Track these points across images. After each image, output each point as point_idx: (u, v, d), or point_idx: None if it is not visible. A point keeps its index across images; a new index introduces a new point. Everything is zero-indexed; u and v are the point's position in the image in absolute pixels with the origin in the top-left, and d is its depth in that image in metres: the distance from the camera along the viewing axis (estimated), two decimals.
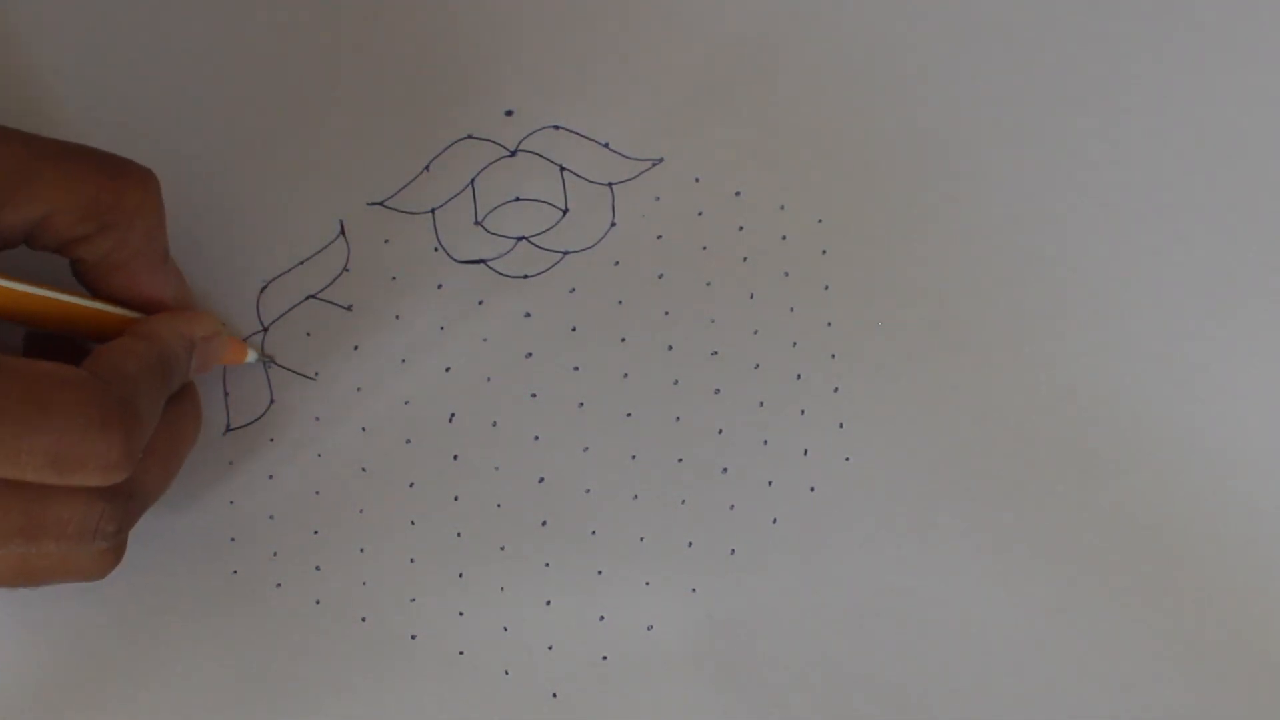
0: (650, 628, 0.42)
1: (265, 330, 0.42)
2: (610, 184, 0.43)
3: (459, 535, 0.42)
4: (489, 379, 0.43)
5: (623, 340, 0.43)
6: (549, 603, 0.42)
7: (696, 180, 0.44)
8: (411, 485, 0.42)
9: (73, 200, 0.36)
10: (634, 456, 0.43)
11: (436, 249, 0.43)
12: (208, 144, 0.43)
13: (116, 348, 0.35)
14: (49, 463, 0.32)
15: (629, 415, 0.43)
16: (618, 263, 0.43)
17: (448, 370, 0.43)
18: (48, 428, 0.32)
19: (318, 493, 0.42)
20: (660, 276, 0.43)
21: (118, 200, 0.36)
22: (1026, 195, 0.44)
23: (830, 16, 0.44)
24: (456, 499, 0.42)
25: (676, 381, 0.43)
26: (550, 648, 0.42)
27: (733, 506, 0.43)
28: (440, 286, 0.43)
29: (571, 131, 0.43)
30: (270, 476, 0.42)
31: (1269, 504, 0.43)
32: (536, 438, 0.43)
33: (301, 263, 0.42)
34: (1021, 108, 0.44)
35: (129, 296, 0.38)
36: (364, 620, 0.42)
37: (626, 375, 0.43)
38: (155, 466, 0.37)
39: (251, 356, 0.41)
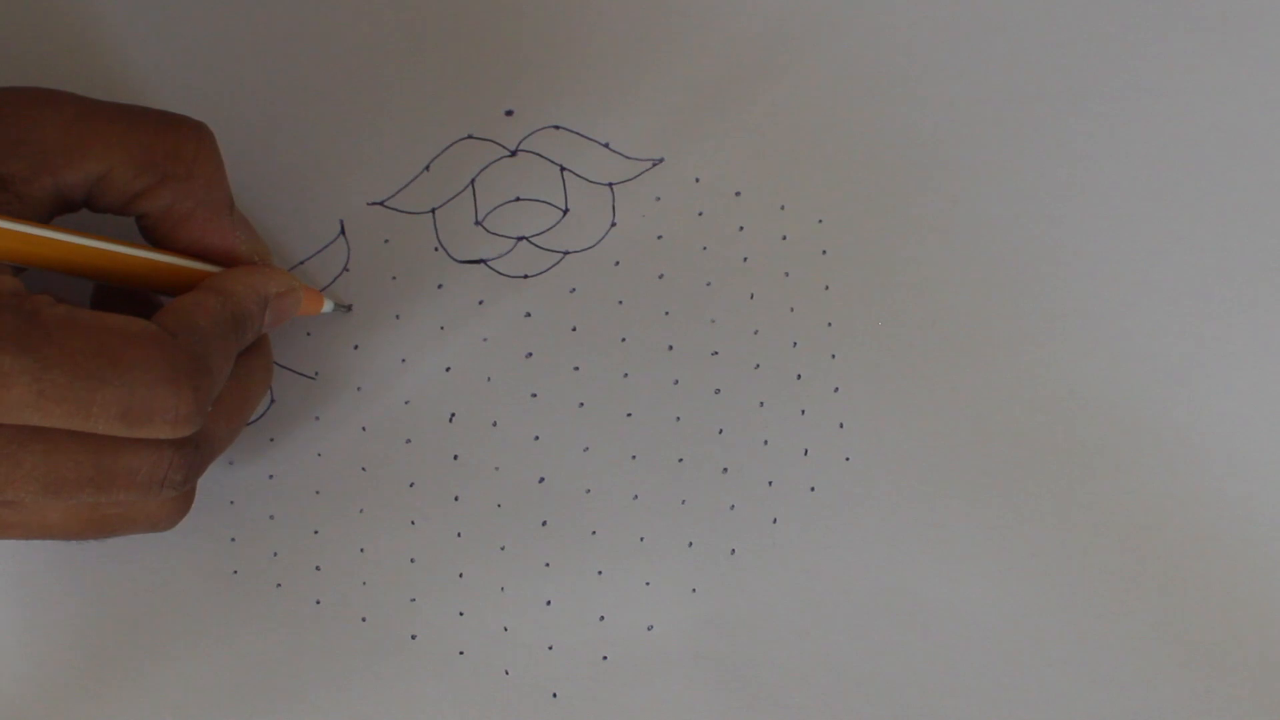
0: (650, 628, 0.42)
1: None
2: (610, 184, 0.43)
3: (459, 535, 0.42)
4: (489, 379, 0.43)
5: (623, 340, 0.43)
6: (549, 603, 0.42)
7: (696, 180, 0.44)
8: (411, 485, 0.42)
9: (129, 154, 0.36)
10: (634, 456, 0.43)
11: (436, 249, 0.43)
12: None
13: (189, 302, 0.36)
14: (119, 416, 0.33)
15: (629, 415, 0.43)
16: (618, 263, 0.43)
17: (448, 370, 0.43)
18: (118, 381, 0.32)
19: (318, 493, 0.42)
20: (660, 276, 0.43)
21: (175, 151, 0.37)
22: (1026, 195, 0.44)
23: (830, 17, 0.44)
24: (456, 499, 0.42)
25: (676, 381, 0.43)
26: (550, 648, 0.42)
27: (733, 506, 0.43)
28: (440, 286, 0.43)
29: (571, 131, 0.43)
30: (270, 476, 0.42)
31: (1269, 504, 0.43)
32: (536, 438, 0.43)
33: (301, 262, 0.42)
34: (1021, 108, 0.44)
35: (199, 248, 0.38)
36: (364, 620, 0.42)
37: (626, 375, 0.43)
38: (224, 418, 0.37)
39: (328, 306, 0.41)
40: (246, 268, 0.38)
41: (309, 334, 0.42)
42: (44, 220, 0.36)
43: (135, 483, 0.34)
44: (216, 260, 0.38)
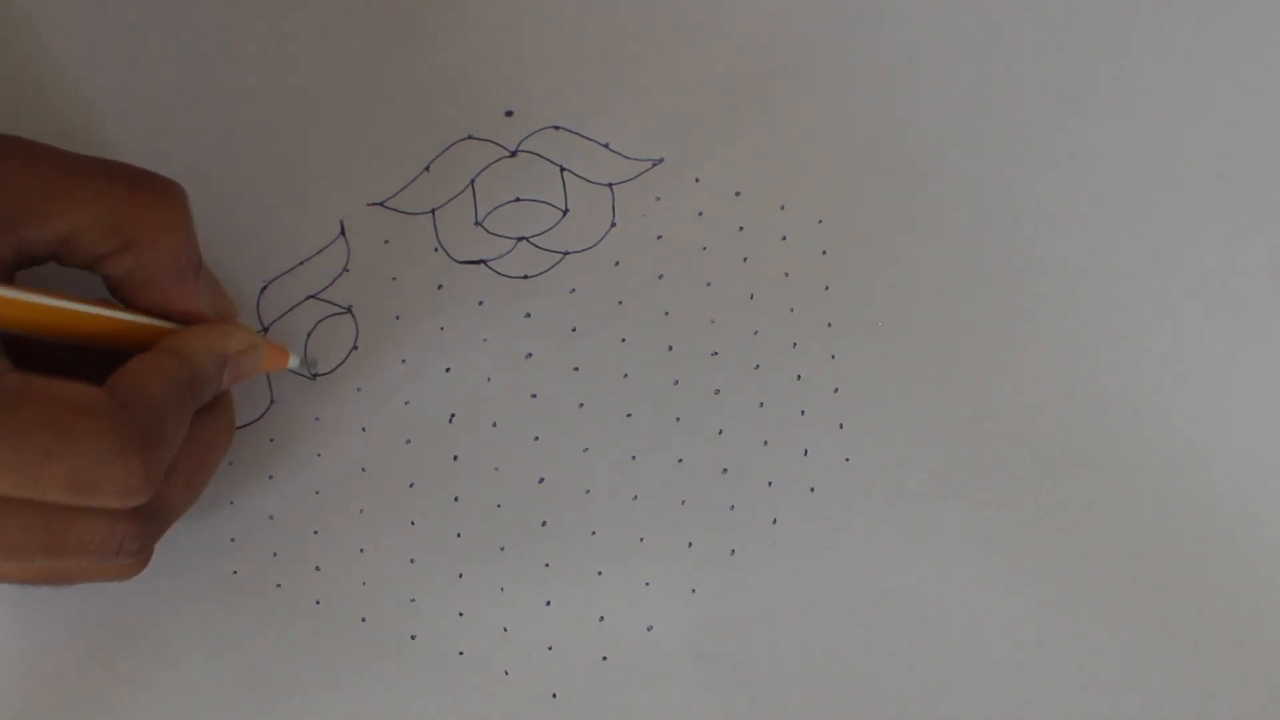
0: (650, 628, 0.42)
1: (265, 330, 0.42)
2: (610, 184, 0.43)
3: (459, 535, 0.42)
4: (489, 379, 0.43)
5: (623, 340, 0.43)
6: (549, 603, 0.42)
7: (696, 180, 0.44)
8: (411, 485, 0.42)
9: (94, 219, 0.36)
10: (634, 456, 0.43)
11: (436, 249, 0.43)
12: (208, 144, 0.43)
13: (141, 366, 0.35)
14: (67, 487, 0.33)
15: (629, 415, 0.43)
16: (618, 263, 0.43)
17: (448, 370, 0.43)
18: (66, 454, 0.33)
19: (318, 493, 0.42)
20: (660, 276, 0.43)
21: (140, 216, 0.36)
22: (1026, 195, 0.44)
23: (830, 17, 0.44)
24: (456, 499, 0.42)
25: (676, 381, 0.43)
26: (550, 648, 0.42)
27: (733, 506, 0.43)
28: (440, 286, 0.43)
29: (571, 131, 0.43)
30: (270, 476, 0.42)
31: (1269, 504, 0.43)
32: (536, 438, 0.43)
33: (301, 263, 0.42)
34: (1021, 107, 0.44)
35: (162, 311, 0.38)
36: (364, 620, 0.42)
37: (626, 375, 0.43)
38: (181, 483, 0.37)
39: (293, 362, 0.41)
40: (204, 326, 0.38)
41: (309, 334, 0.42)
42: (5, 277, 0.35)
43: (89, 550, 0.34)
44: (182, 320, 0.38)
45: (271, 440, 0.42)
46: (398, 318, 0.43)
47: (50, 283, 0.36)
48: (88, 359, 0.36)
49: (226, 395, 0.39)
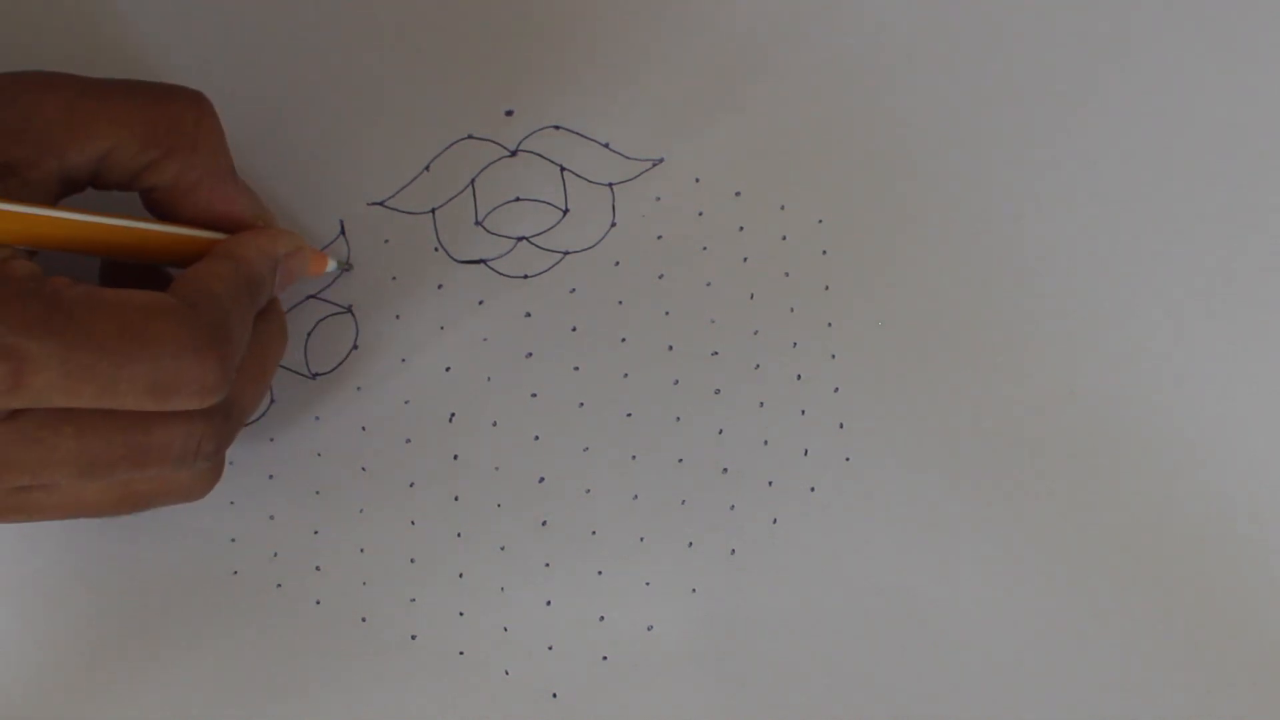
0: (650, 628, 0.42)
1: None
2: (610, 184, 0.43)
3: (459, 535, 0.42)
4: (489, 379, 0.43)
5: (623, 340, 0.43)
6: (549, 603, 0.42)
7: (696, 180, 0.44)
8: (411, 485, 0.42)
9: (132, 130, 0.36)
10: (634, 456, 0.43)
11: (436, 249, 0.43)
12: None
13: (202, 271, 0.36)
14: (147, 391, 0.33)
15: (629, 415, 0.43)
16: (618, 263, 0.43)
17: (448, 370, 0.43)
18: (143, 357, 0.33)
19: (318, 493, 0.42)
20: (660, 276, 0.43)
21: (175, 124, 0.37)
22: (1026, 195, 0.44)
23: (830, 16, 0.44)
24: (456, 499, 0.42)
25: (676, 381, 0.43)
26: (550, 648, 0.42)
27: (733, 506, 0.43)
28: (440, 286, 0.43)
29: (571, 131, 0.43)
30: (270, 476, 0.42)
31: (1269, 504, 0.43)
32: (536, 438, 0.43)
33: None
34: (1021, 107, 0.44)
35: (206, 217, 0.38)
36: (364, 620, 0.42)
37: (626, 375, 0.43)
38: (248, 384, 0.37)
39: (331, 266, 0.42)
40: (254, 231, 0.38)
41: (309, 334, 0.42)
42: (51, 202, 0.36)
43: (169, 456, 0.35)
44: (223, 228, 0.38)
45: (271, 440, 0.42)
46: (398, 317, 0.43)
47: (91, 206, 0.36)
48: (134, 284, 0.36)
49: (276, 300, 0.39)
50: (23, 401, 0.32)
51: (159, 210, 0.38)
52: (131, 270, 0.39)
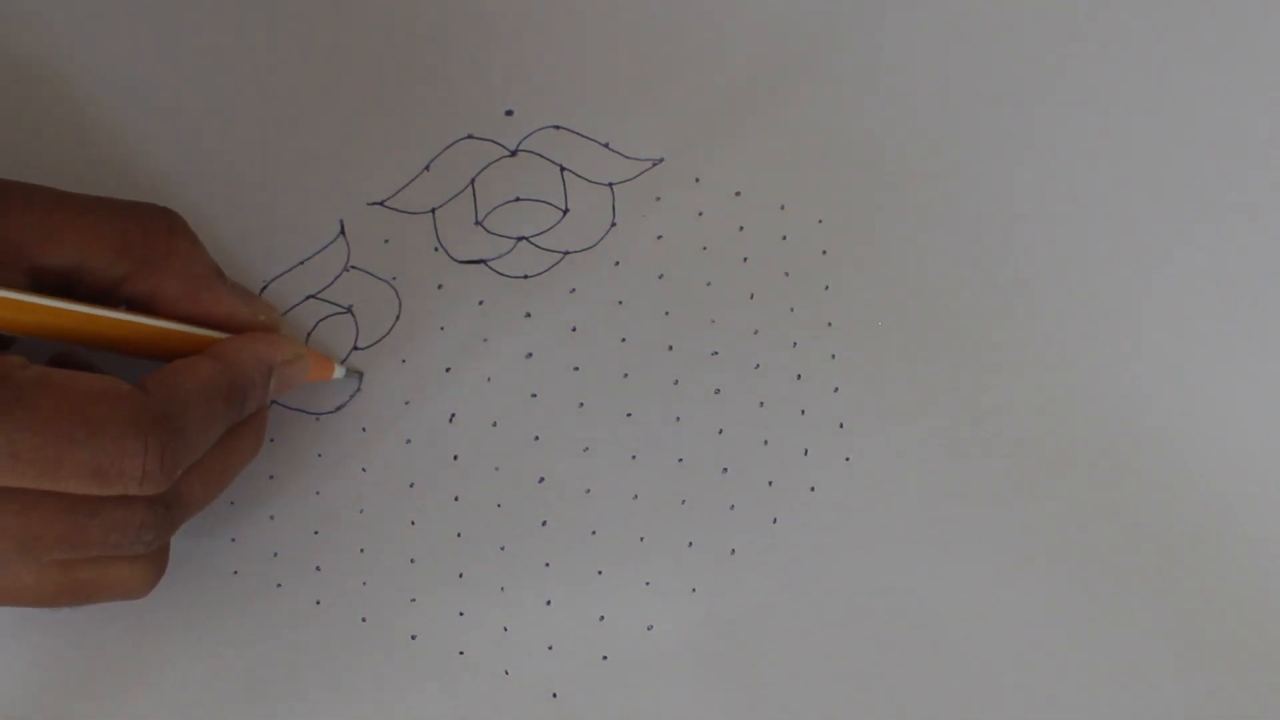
0: (650, 628, 0.42)
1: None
2: (610, 184, 0.43)
3: (459, 535, 0.42)
4: (489, 379, 0.43)
5: (623, 340, 0.43)
6: (549, 603, 0.42)
7: (696, 180, 0.44)
8: (411, 485, 0.42)
9: (103, 241, 0.37)
10: (634, 456, 0.43)
11: (436, 249, 0.43)
12: (208, 144, 0.43)
13: (180, 364, 0.36)
14: (90, 474, 0.33)
15: (629, 415, 0.43)
16: (618, 263, 0.43)
17: (448, 370, 0.43)
18: (86, 440, 0.33)
19: (318, 493, 0.42)
20: (660, 276, 0.43)
21: (146, 236, 0.37)
22: (1027, 195, 0.44)
23: (830, 16, 0.44)
24: (456, 499, 0.42)
25: (676, 381, 0.43)
26: (550, 648, 0.42)
27: (733, 506, 0.43)
28: (440, 286, 0.43)
29: (571, 131, 0.43)
30: (270, 477, 0.42)
31: (1269, 504, 0.43)
32: (536, 438, 0.43)
33: (301, 263, 0.42)
34: (1021, 108, 0.44)
35: (198, 321, 0.38)
36: (364, 620, 0.42)
37: (626, 375, 0.43)
38: (200, 481, 0.37)
39: (339, 373, 0.41)
40: (251, 335, 0.39)
41: (308, 334, 0.42)
42: None
43: (107, 540, 0.35)
44: (221, 328, 0.39)
45: (271, 440, 0.42)
46: (398, 318, 0.43)
47: None
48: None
49: (263, 410, 0.40)
50: None
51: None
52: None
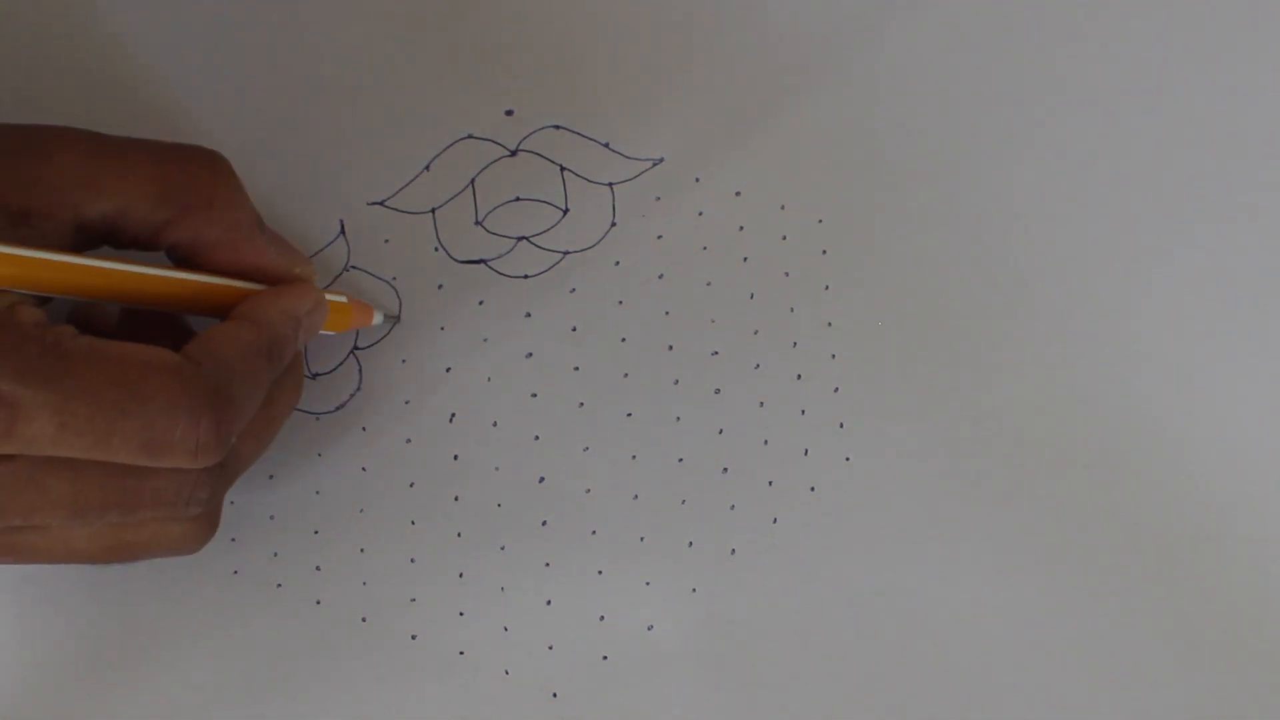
0: (650, 628, 0.42)
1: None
2: (610, 184, 0.43)
3: (459, 535, 0.42)
4: (489, 379, 0.43)
5: (623, 340, 0.43)
6: (549, 603, 0.42)
7: (696, 180, 0.44)
8: (411, 485, 0.42)
9: (146, 187, 0.36)
10: (634, 456, 0.43)
11: (436, 249, 0.43)
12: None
13: (220, 332, 0.36)
14: (140, 448, 0.33)
15: (629, 415, 0.43)
16: (618, 263, 0.43)
17: (448, 370, 0.43)
18: (138, 413, 0.33)
19: (318, 493, 0.42)
20: (660, 276, 0.43)
21: (189, 181, 0.37)
22: (1026, 195, 0.44)
23: (830, 16, 0.44)
24: (457, 499, 0.42)
25: (676, 381, 0.43)
26: (550, 648, 0.42)
27: (733, 506, 0.43)
28: (440, 286, 0.43)
29: (571, 131, 0.43)
30: (270, 476, 0.42)
31: (1269, 504, 0.43)
32: (536, 438, 0.43)
33: None
34: (1021, 107, 0.44)
35: (237, 271, 0.38)
36: (364, 620, 0.42)
37: (626, 375, 0.43)
38: (250, 439, 0.37)
39: (378, 318, 0.41)
40: (278, 290, 0.38)
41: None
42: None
43: (160, 502, 0.35)
44: (257, 280, 0.38)
45: None
46: (398, 318, 0.43)
47: None
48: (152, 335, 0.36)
49: (297, 356, 0.39)
50: (15, 448, 0.32)
51: (187, 267, 0.38)
52: (150, 321, 0.38)
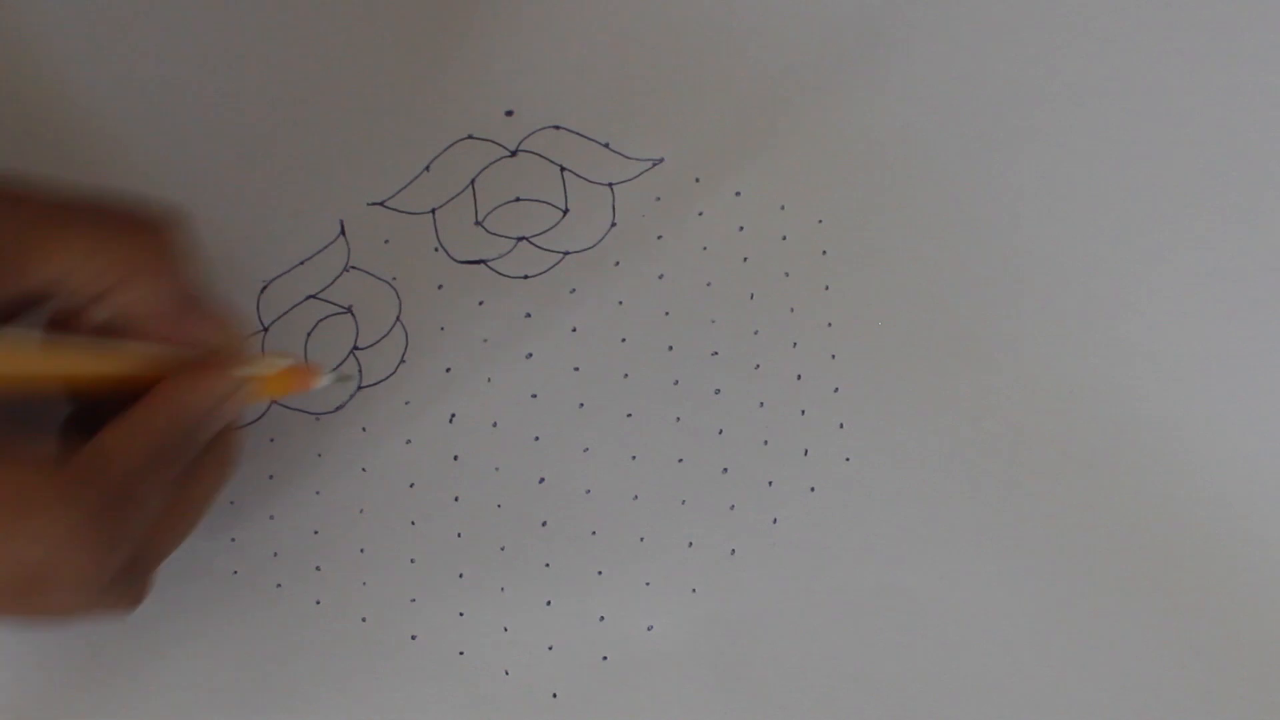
0: (650, 628, 0.42)
1: (265, 330, 0.42)
2: (610, 184, 0.43)
3: (459, 535, 0.42)
4: (489, 379, 0.43)
5: (623, 340, 0.43)
6: (549, 603, 0.42)
7: (696, 180, 0.44)
8: (411, 485, 0.42)
9: (85, 257, 0.34)
10: (634, 456, 0.43)
11: (436, 249, 0.43)
12: (208, 144, 0.43)
13: (125, 425, 0.33)
14: (9, 588, 0.29)
15: (629, 415, 0.43)
16: (618, 263, 0.43)
17: (448, 370, 0.43)
18: (4, 550, 0.29)
19: (318, 493, 0.42)
20: (660, 276, 0.43)
21: (131, 254, 0.35)
22: (1025, 195, 0.44)
23: (830, 16, 0.44)
24: (457, 499, 0.42)
25: (676, 381, 0.43)
26: (550, 648, 0.42)
27: (733, 506, 0.43)
28: (440, 286, 0.43)
29: (571, 131, 0.43)
30: (270, 477, 0.42)
31: (1269, 504, 0.43)
32: (536, 438, 0.43)
33: (301, 263, 0.42)
34: (1020, 107, 0.44)
35: (168, 341, 0.36)
36: (364, 620, 0.42)
37: (626, 375, 0.43)
38: (166, 529, 0.35)
39: (325, 380, 0.39)
40: (201, 367, 0.35)
41: (309, 334, 0.42)
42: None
43: (69, 608, 0.32)
44: (186, 347, 0.36)
45: (271, 440, 0.42)
46: (398, 318, 0.43)
47: None
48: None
49: (227, 432, 0.37)
50: None
51: (117, 336, 0.35)
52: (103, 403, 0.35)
